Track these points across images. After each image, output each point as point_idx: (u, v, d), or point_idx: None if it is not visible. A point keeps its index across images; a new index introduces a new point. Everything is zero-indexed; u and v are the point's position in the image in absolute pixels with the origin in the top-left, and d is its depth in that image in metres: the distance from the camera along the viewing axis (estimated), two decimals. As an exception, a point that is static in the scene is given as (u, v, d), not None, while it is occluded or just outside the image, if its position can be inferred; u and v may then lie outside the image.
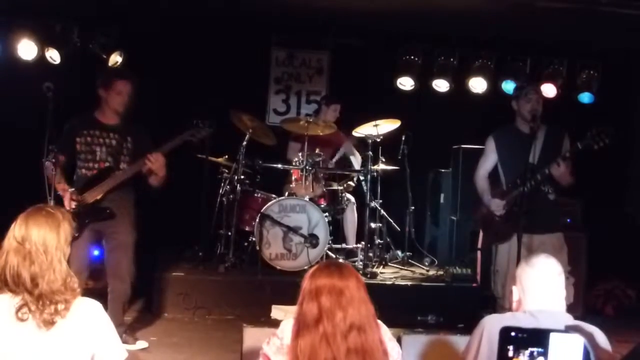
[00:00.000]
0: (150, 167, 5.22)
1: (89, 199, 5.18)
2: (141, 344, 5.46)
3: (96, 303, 2.82)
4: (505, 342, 2.53)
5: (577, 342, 2.49)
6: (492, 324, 3.02)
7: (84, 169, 5.29)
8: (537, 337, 2.51)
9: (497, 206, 5.26)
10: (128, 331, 5.52)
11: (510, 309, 5.11)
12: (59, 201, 5.00)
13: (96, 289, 5.84)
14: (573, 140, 5.07)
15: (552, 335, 2.49)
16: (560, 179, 5.02)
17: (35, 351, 2.64)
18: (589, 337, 2.54)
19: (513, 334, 2.53)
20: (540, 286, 3.00)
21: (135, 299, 6.38)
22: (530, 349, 2.50)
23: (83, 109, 5.53)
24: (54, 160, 4.74)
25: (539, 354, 2.49)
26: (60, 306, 2.67)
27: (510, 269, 5.14)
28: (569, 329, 2.60)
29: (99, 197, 5.21)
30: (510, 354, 2.51)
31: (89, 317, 2.75)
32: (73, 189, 5.14)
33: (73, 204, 5.09)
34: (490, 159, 5.42)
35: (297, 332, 2.60)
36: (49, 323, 2.65)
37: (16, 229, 2.75)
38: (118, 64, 7.21)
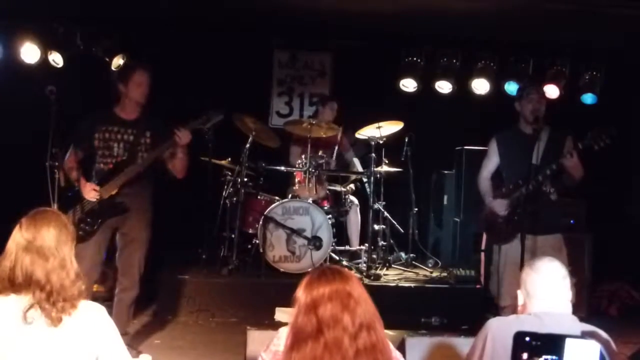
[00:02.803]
0: (179, 143, 5.14)
1: (104, 194, 5.07)
2: (145, 357, 5.33)
3: (101, 307, 2.82)
4: (519, 348, 2.48)
5: (593, 349, 2.43)
6: (496, 327, 3.01)
7: (102, 164, 5.18)
8: (552, 344, 2.44)
9: (498, 208, 5.28)
10: (131, 343, 5.30)
11: (504, 308, 5.21)
12: (64, 205, 4.95)
13: (101, 292, 5.85)
14: (576, 141, 5.07)
15: (567, 341, 2.43)
16: (573, 170, 4.99)
17: (40, 353, 2.63)
18: (606, 344, 2.49)
19: (527, 339, 2.46)
20: (544, 289, 3.00)
21: (139, 302, 6.38)
22: (544, 357, 2.44)
23: (85, 112, 5.53)
24: (57, 163, 4.71)
25: None
26: (67, 304, 2.67)
27: (507, 269, 5.20)
28: (585, 335, 2.53)
29: (114, 192, 5.09)
30: (525, 357, 2.46)
31: (93, 321, 2.75)
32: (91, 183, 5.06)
33: (93, 195, 5.00)
34: (492, 161, 5.44)
35: (292, 345, 2.52)
36: (57, 320, 2.65)
37: (23, 230, 2.75)
38: (121, 67, 7.21)
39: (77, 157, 5.12)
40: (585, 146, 4.83)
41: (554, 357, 2.42)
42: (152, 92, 5.42)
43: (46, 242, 2.72)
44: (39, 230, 2.74)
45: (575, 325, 2.91)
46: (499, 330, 2.96)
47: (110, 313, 2.85)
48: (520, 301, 3.10)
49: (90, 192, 5.02)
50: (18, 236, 2.75)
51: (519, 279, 4.99)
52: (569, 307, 3.02)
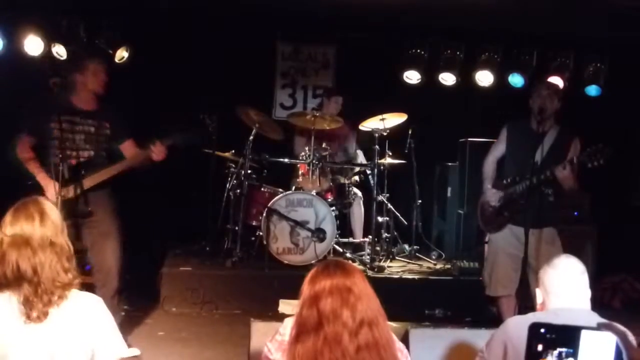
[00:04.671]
0: (153, 158, 5.08)
1: (69, 194, 4.86)
2: (133, 350, 5.29)
3: (98, 298, 2.80)
4: (534, 339, 2.45)
5: (608, 341, 2.40)
6: (512, 328, 2.99)
7: (64, 157, 4.82)
8: (567, 336, 2.39)
9: (490, 197, 5.32)
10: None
11: (497, 298, 5.22)
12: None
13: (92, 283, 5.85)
14: (582, 145, 5.08)
15: (583, 332, 2.39)
16: (562, 181, 4.99)
17: (37, 346, 2.61)
18: (622, 336, 2.47)
19: (543, 330, 2.42)
20: (562, 286, 2.96)
21: (142, 294, 6.40)
22: (559, 350, 2.40)
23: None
24: (60, 155, 4.60)
25: (568, 354, 2.40)
26: (55, 296, 2.64)
27: (498, 259, 5.26)
28: (600, 327, 2.50)
29: (79, 192, 4.92)
30: (540, 348, 2.43)
31: (89, 312, 2.73)
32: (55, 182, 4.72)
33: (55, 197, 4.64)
34: (499, 148, 5.44)
35: (296, 336, 2.54)
36: (44, 315, 2.62)
37: (7, 225, 2.71)
38: (124, 59, 7.21)
39: (31, 145, 4.98)
40: (580, 162, 4.84)
41: (569, 349, 2.39)
42: (152, 86, 5.40)
43: (30, 234, 2.68)
44: (21, 223, 2.69)
45: (593, 320, 2.84)
46: (516, 331, 2.90)
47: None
48: (539, 300, 3.07)
49: (54, 195, 4.63)
50: (2, 232, 2.70)
51: (510, 269, 5.08)
52: (587, 303, 2.98)
